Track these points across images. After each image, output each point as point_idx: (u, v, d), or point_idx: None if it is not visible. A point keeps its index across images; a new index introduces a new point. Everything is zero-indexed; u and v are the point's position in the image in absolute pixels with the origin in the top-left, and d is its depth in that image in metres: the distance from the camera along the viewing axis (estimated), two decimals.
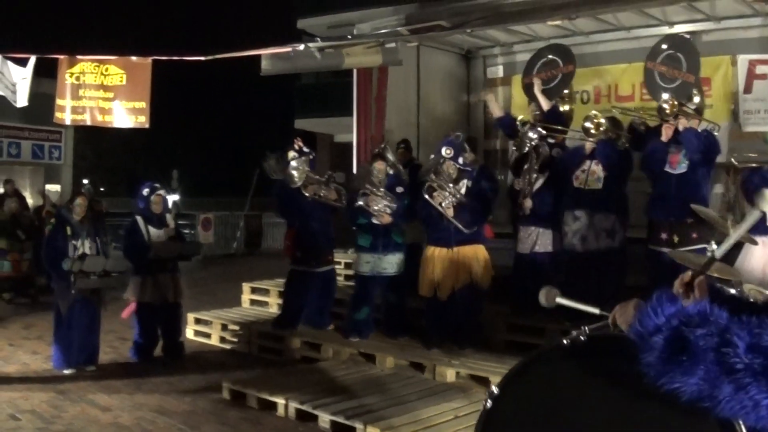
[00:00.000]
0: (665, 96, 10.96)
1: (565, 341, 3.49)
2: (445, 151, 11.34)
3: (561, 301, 3.91)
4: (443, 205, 11.21)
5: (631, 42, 14.93)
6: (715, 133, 11.10)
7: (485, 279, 11.42)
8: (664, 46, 12.13)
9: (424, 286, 11.50)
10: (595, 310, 3.65)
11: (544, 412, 3.46)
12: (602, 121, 11.33)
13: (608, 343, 3.37)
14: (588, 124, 11.31)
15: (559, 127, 12.54)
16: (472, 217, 11.31)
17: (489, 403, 3.58)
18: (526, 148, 12.08)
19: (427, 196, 11.25)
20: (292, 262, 12.90)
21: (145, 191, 12.37)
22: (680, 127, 10.55)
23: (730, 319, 2.63)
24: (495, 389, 3.59)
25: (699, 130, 10.62)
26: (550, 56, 13.76)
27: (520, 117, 13.09)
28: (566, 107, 13.84)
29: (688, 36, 13.21)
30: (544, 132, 12.06)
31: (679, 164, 10.52)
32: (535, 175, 11.96)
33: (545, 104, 12.88)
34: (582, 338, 3.45)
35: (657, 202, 10.52)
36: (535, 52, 14.18)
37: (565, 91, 14.08)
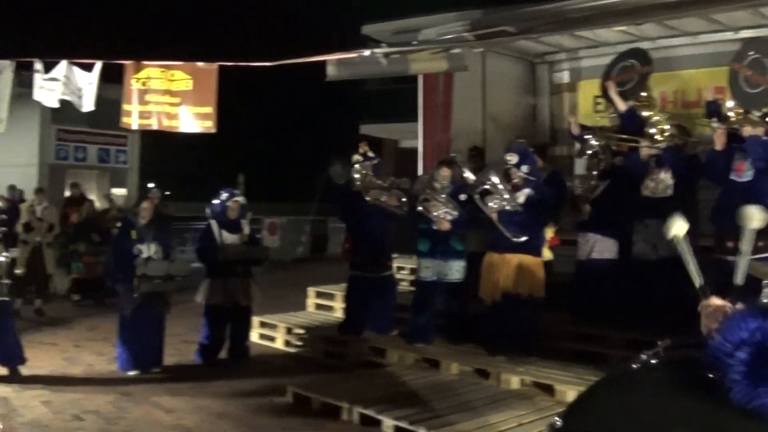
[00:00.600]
0: (730, 104, 10.84)
1: (634, 365, 3.42)
2: (508, 157, 11.31)
3: (681, 247, 3.79)
4: (490, 205, 11.17)
5: (697, 47, 14.79)
6: None
7: (537, 289, 11.34)
8: (751, 51, 11.97)
9: (485, 291, 11.51)
10: (698, 281, 3.59)
11: None
12: (666, 127, 11.23)
13: (683, 365, 3.30)
14: (653, 130, 11.22)
15: (619, 135, 12.44)
16: (521, 227, 11.23)
17: (558, 423, 3.50)
18: (587, 154, 12.04)
19: (477, 198, 11.23)
20: (351, 267, 12.95)
21: (224, 196, 12.51)
22: (744, 135, 10.41)
23: None
24: (558, 420, 3.53)
25: (764, 138, 10.47)
26: (630, 60, 13.67)
27: (597, 122, 13.03)
28: (645, 113, 13.74)
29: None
30: (595, 142, 12.00)
31: (744, 172, 10.36)
32: (595, 182, 11.90)
33: (621, 106, 12.77)
34: (652, 361, 3.38)
35: (723, 211, 10.33)
36: (615, 57, 14.06)
37: (643, 94, 13.97)
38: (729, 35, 13.96)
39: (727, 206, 10.20)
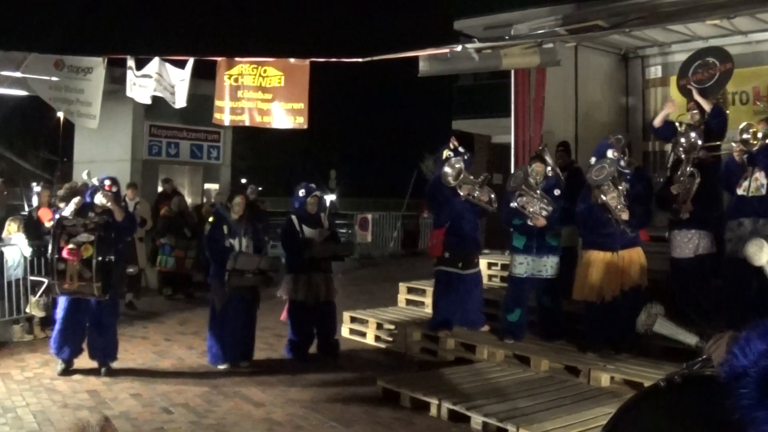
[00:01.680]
0: None
1: (661, 383, 3.42)
2: (613, 154, 11.24)
3: (658, 328, 3.76)
4: (618, 207, 11.10)
5: None
6: None
7: (644, 282, 11.30)
8: None
9: (582, 291, 11.41)
10: (692, 341, 3.56)
11: None
12: (759, 128, 11.09)
13: (706, 384, 3.29)
14: (746, 136, 11.08)
15: (713, 144, 12.30)
16: (637, 220, 11.20)
17: None
18: (682, 152, 11.92)
19: (604, 198, 11.14)
20: (438, 262, 12.89)
21: (302, 192, 12.59)
22: None
23: None
24: (606, 429, 3.55)
25: None
26: (707, 58, 13.50)
27: (679, 119, 12.88)
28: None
29: None
30: (700, 142, 11.87)
31: None
32: (696, 180, 11.78)
33: (706, 105, 12.60)
34: (678, 379, 3.37)
35: None
36: (691, 54, 13.88)
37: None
38: None
39: None
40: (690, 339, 3.56)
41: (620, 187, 11.22)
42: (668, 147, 13.46)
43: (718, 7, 11.66)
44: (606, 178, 11.29)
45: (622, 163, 11.27)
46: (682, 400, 3.32)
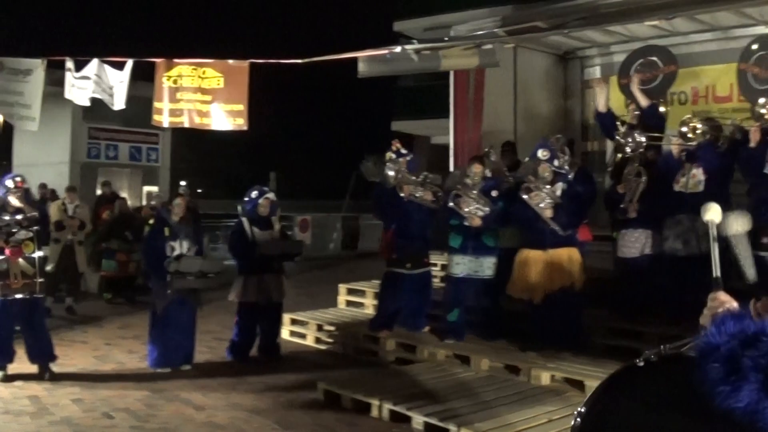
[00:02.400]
0: (762, 100, 10.79)
1: (638, 362, 3.47)
2: (542, 153, 11.30)
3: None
4: (541, 206, 11.16)
5: (728, 42, 14.76)
6: None
7: (580, 282, 11.34)
8: (755, 47, 11.95)
9: (516, 289, 11.50)
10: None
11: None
12: (698, 125, 11.21)
13: (682, 363, 3.35)
14: (684, 129, 11.20)
15: (655, 134, 12.41)
16: (568, 220, 11.26)
17: (578, 421, 3.58)
18: (628, 151, 12.00)
19: (525, 197, 11.21)
20: (387, 263, 12.88)
21: (254, 194, 12.55)
22: None
23: None
24: (582, 408, 3.59)
25: None
26: (649, 57, 13.60)
27: (620, 116, 12.98)
28: (662, 109, 13.70)
29: None
30: (643, 139, 11.96)
31: None
32: (635, 180, 11.87)
33: (643, 101, 12.67)
34: (654, 358, 3.42)
35: (759, 207, 10.31)
36: (632, 51, 13.97)
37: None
38: (761, 29, 13.89)
39: (762, 202, 10.16)
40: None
41: (548, 187, 11.27)
42: (608, 146, 13.56)
43: (657, 9, 11.77)
44: (524, 175, 11.37)
45: (557, 162, 11.31)
46: (658, 379, 3.36)
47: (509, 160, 13.80)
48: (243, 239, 12.44)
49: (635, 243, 11.87)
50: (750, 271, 3.62)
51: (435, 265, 14.87)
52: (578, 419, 3.53)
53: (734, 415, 2.57)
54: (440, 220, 12.64)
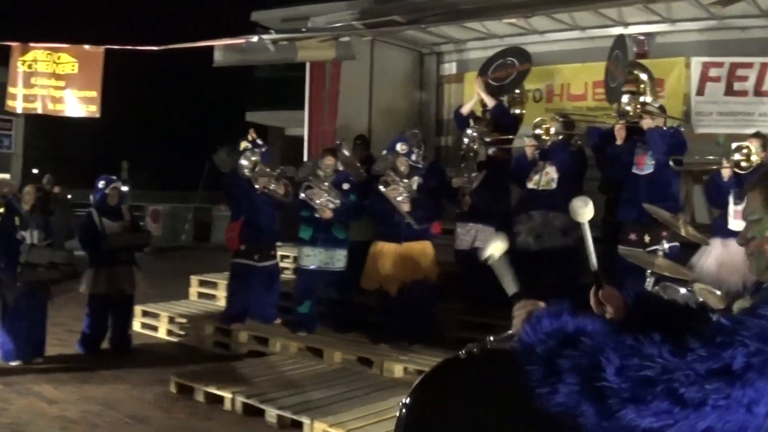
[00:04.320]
0: (626, 98, 11.00)
1: (461, 354, 3.49)
2: (400, 147, 11.34)
3: (493, 260, 3.80)
4: (398, 199, 11.21)
5: (585, 42, 15.04)
6: (682, 129, 11.20)
7: (432, 275, 11.47)
8: (616, 48, 12.20)
9: (369, 280, 11.57)
10: (512, 289, 3.62)
11: (449, 425, 3.49)
12: (552, 127, 11.39)
13: (503, 357, 3.39)
14: (538, 131, 11.37)
15: (509, 137, 12.56)
16: (423, 213, 11.33)
17: (403, 412, 3.59)
18: (464, 146, 12.16)
19: (383, 189, 11.24)
20: (235, 255, 12.80)
21: (101, 183, 12.30)
22: (644, 127, 10.60)
23: (606, 339, 2.58)
24: (407, 399, 3.60)
25: (665, 128, 10.70)
26: (509, 59, 13.73)
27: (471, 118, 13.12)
28: (517, 110, 13.90)
29: (625, 34, 13.34)
30: (475, 134, 12.13)
31: (645, 165, 10.58)
32: (474, 174, 11.99)
33: (489, 102, 12.80)
34: (476, 351, 3.45)
35: (626, 204, 10.52)
36: (494, 54, 14.08)
37: (517, 91, 14.14)
38: (618, 30, 14.17)
39: (630, 199, 10.38)
40: (510, 287, 3.62)
41: (406, 181, 11.34)
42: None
43: (515, 7, 11.89)
44: (384, 168, 11.43)
45: (414, 157, 11.38)
46: (479, 372, 3.40)
47: (361, 154, 13.84)
48: (92, 230, 12.21)
49: (466, 236, 12.03)
50: (593, 258, 3.66)
51: (288, 257, 14.87)
52: (403, 410, 3.57)
53: (555, 415, 2.59)
54: (291, 211, 12.63)
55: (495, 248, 3.77)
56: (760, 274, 3.00)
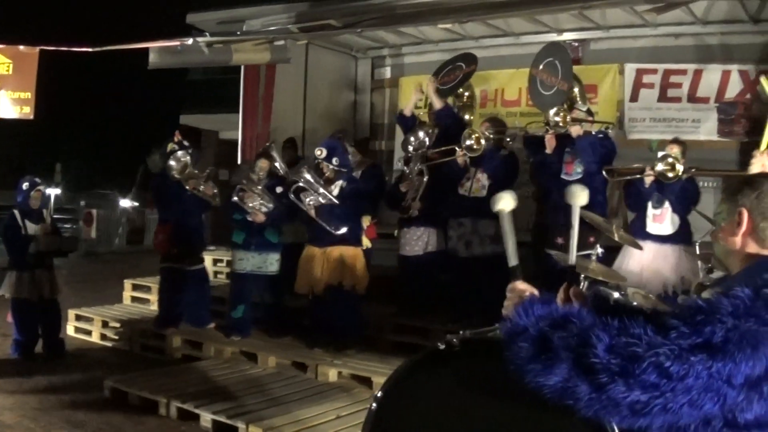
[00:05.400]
0: (554, 109, 11.08)
1: (440, 345, 3.53)
2: (317, 152, 11.30)
3: (503, 215, 3.81)
4: (309, 205, 11.21)
5: (519, 48, 15.12)
6: (610, 132, 11.30)
7: (360, 279, 11.48)
8: (545, 54, 12.26)
9: (301, 284, 11.59)
10: (513, 260, 3.66)
11: (425, 418, 3.52)
12: (482, 138, 11.45)
13: (483, 346, 3.43)
14: (469, 142, 11.42)
15: (444, 148, 12.60)
16: (342, 219, 11.31)
17: (374, 406, 3.61)
18: (410, 153, 12.19)
19: (293, 197, 11.25)
20: (164, 259, 12.75)
21: (25, 185, 12.18)
22: (573, 135, 10.70)
23: (595, 322, 2.75)
24: (379, 393, 3.62)
25: (593, 132, 10.81)
26: (458, 63, 13.75)
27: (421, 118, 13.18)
28: (466, 116, 13.94)
29: (562, 42, 13.47)
30: (426, 140, 12.19)
31: (574, 171, 10.71)
32: (418, 180, 12.04)
33: (437, 104, 12.80)
34: (456, 342, 3.48)
35: (553, 209, 10.60)
36: (447, 59, 14.07)
37: (466, 94, 14.19)
38: (553, 36, 14.29)
39: (558, 205, 10.46)
40: (513, 258, 3.65)
41: (323, 187, 11.29)
42: (396, 145, 13.74)
43: (451, 12, 11.93)
44: (299, 175, 11.42)
45: (335, 161, 11.31)
46: (459, 363, 3.43)
47: (290, 157, 13.84)
48: (15, 233, 12.10)
49: (417, 241, 12.09)
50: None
51: (221, 261, 14.85)
52: (374, 404, 3.60)
53: (543, 393, 2.71)
54: (222, 214, 12.61)
55: (506, 203, 3.79)
56: (720, 260, 3.31)
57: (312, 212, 11.25)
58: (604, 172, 10.52)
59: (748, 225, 3.06)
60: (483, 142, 11.30)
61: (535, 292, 3.21)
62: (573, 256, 3.81)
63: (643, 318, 2.74)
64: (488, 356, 3.24)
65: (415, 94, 13.17)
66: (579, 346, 2.65)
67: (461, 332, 3.54)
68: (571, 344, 2.68)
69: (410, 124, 12.86)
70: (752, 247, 3.07)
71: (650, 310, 3.45)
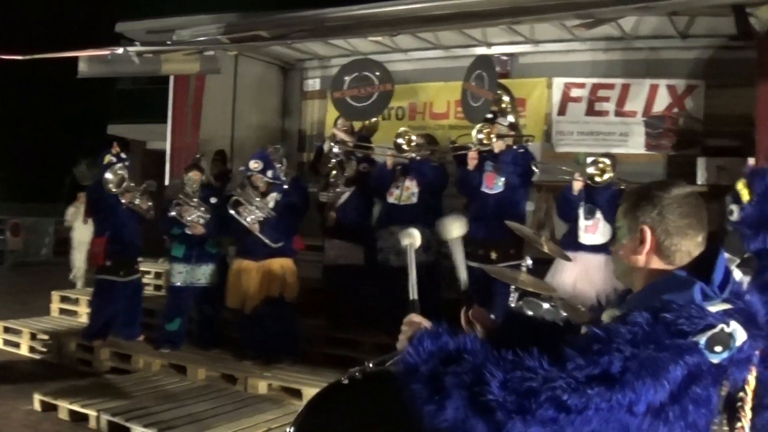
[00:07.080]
0: (478, 126, 11.17)
1: (344, 379, 3.55)
2: (253, 165, 11.27)
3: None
4: (249, 220, 11.18)
5: (448, 61, 15.26)
6: (530, 144, 11.43)
7: (293, 292, 11.47)
8: (474, 67, 12.36)
9: (232, 298, 11.52)
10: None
11: None
12: (413, 137, 11.52)
13: (385, 379, 3.45)
14: (399, 141, 11.49)
15: (367, 144, 12.67)
16: (279, 232, 11.30)
17: None
18: (332, 162, 12.23)
19: (232, 211, 11.21)
20: (99, 271, 12.64)
21: None
22: (496, 150, 10.79)
23: (488, 356, 2.71)
24: (291, 428, 3.65)
25: (514, 147, 10.94)
26: (365, 72, 13.70)
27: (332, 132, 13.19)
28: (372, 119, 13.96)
29: (490, 55, 13.61)
30: (349, 145, 12.24)
31: (495, 184, 10.79)
32: (340, 189, 12.08)
33: (348, 138, 12.77)
34: (358, 375, 3.51)
35: (475, 221, 10.64)
36: (344, 65, 14.01)
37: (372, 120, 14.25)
38: (482, 50, 14.42)
39: (479, 217, 10.55)
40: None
41: (258, 199, 11.27)
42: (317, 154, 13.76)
43: (381, 25, 11.98)
44: (234, 187, 11.41)
45: (270, 173, 11.31)
46: (361, 396, 3.45)
47: (218, 169, 13.84)
48: None
49: (332, 252, 12.13)
50: (463, 276, 3.74)
51: (149, 272, 14.78)
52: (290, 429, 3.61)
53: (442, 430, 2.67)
54: (160, 228, 12.54)
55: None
56: (620, 277, 3.22)
57: (256, 227, 11.21)
58: (534, 187, 10.64)
59: (652, 243, 2.99)
60: (413, 144, 11.41)
61: (429, 325, 3.07)
62: (464, 278, 3.82)
63: (552, 336, 2.77)
64: (388, 388, 3.20)
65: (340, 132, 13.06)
66: (473, 384, 2.62)
67: (366, 364, 3.57)
68: (465, 382, 2.64)
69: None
70: (656, 263, 3.01)
71: (564, 323, 3.48)
